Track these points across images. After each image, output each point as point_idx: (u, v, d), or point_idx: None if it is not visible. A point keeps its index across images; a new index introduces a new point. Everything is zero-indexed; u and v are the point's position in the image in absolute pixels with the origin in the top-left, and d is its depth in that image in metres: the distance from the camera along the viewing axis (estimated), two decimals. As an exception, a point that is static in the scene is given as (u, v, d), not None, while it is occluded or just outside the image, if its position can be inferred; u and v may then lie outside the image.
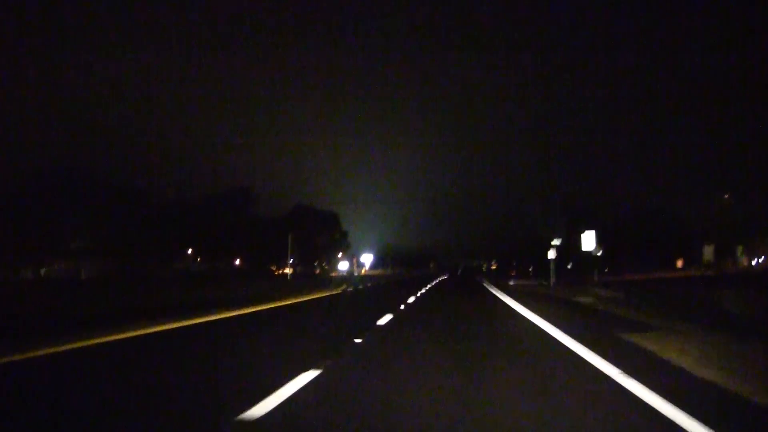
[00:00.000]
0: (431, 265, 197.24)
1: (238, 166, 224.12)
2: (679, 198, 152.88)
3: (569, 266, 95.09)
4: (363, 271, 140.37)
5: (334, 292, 33.23)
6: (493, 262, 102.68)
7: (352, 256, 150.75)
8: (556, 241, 44.93)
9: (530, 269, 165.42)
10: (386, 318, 15.64)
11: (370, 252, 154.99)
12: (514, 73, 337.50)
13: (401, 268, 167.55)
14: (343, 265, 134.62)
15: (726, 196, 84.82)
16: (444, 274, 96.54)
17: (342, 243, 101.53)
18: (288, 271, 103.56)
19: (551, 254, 44.38)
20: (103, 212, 68.86)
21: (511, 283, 47.83)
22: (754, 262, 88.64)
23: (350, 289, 38.89)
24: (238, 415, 5.10)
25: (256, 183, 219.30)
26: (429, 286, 47.88)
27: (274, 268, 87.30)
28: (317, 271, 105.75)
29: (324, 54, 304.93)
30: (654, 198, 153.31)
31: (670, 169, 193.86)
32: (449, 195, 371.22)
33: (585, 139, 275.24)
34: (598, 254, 45.83)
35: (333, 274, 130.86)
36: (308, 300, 24.87)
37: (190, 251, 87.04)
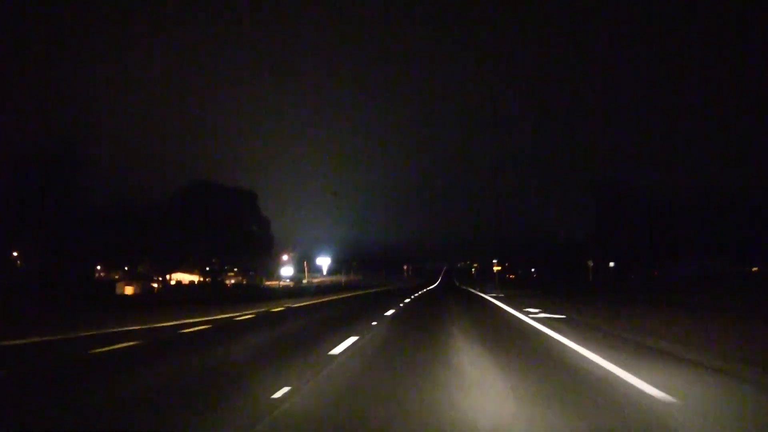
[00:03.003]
0: (405, 269, 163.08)
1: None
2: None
3: (611, 265, 63.66)
4: (308, 280, 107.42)
5: None
6: (494, 263, 72.30)
7: (303, 260, 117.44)
8: None
9: (533, 271, 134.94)
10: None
11: (327, 253, 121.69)
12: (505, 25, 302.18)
13: (368, 272, 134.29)
14: (287, 272, 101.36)
15: None
16: (420, 288, 58.76)
17: (258, 237, 67.03)
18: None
19: None
20: None
21: None
22: None
23: None
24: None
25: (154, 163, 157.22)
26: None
27: (117, 278, 53.90)
28: (229, 280, 71.71)
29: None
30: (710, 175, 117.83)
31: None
32: (430, 183, 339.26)
33: (618, 104, 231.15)
34: None
35: (269, 284, 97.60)
36: None
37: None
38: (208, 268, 62.73)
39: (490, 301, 25.72)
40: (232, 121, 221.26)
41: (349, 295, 38.10)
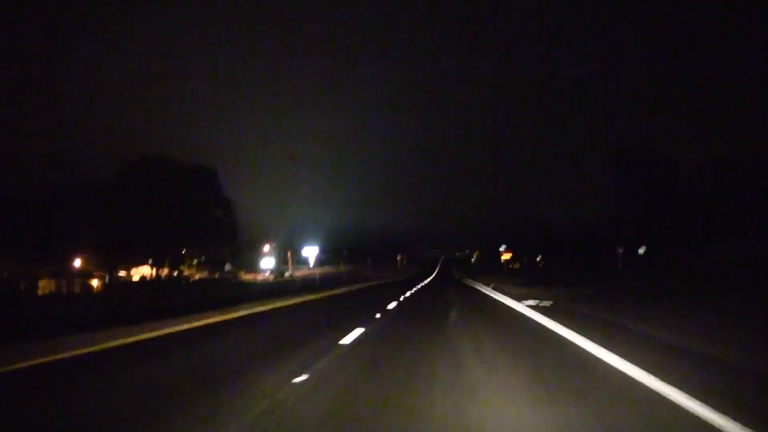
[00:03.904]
0: (399, 259, 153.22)
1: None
2: None
3: (641, 251, 53.89)
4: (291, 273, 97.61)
5: None
6: (501, 250, 62.27)
7: (287, 250, 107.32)
8: None
9: (538, 259, 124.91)
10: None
11: (315, 243, 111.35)
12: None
13: (359, 262, 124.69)
14: (268, 263, 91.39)
15: None
16: (412, 284, 44.61)
17: (223, 223, 56.63)
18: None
19: None
20: None
21: None
22: None
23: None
24: None
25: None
26: None
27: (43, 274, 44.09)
28: (192, 275, 61.58)
29: None
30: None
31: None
32: (427, 166, 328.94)
33: (646, 53, 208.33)
34: None
35: (247, 277, 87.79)
36: None
37: None
38: (151, 260, 52.76)
39: (552, 333, 10.06)
40: (206, 98, 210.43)
41: (300, 300, 26.06)
